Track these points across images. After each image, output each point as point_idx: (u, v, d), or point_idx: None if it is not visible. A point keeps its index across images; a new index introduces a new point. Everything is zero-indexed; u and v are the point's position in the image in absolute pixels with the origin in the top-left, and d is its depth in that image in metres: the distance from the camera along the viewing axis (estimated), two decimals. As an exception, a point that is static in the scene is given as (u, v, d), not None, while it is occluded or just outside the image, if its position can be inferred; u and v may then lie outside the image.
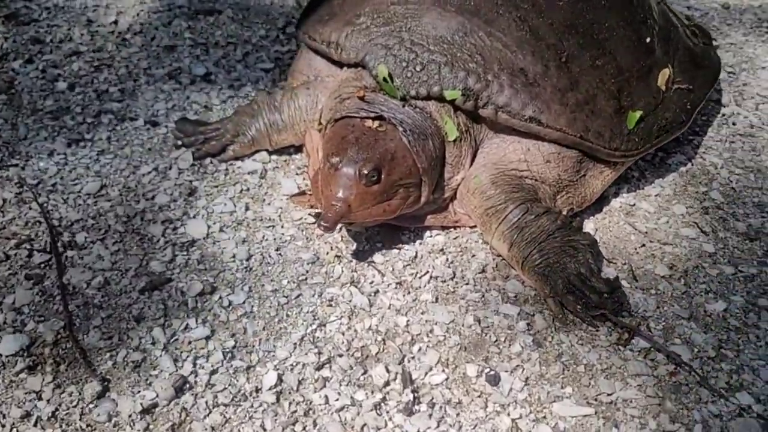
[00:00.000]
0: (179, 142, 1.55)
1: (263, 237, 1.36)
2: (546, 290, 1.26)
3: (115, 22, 1.98)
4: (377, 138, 1.28)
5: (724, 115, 1.84)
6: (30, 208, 1.38)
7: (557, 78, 1.36)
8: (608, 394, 1.13)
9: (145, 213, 1.40)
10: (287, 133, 1.53)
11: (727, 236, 1.46)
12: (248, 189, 1.48)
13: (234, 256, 1.31)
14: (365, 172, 1.21)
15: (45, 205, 1.39)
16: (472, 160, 1.38)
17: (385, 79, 1.33)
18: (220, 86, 1.78)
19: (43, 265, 1.27)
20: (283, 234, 1.37)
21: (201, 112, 1.69)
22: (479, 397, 1.11)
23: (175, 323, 1.19)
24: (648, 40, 1.56)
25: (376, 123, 1.31)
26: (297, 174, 1.53)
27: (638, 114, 1.44)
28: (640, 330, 1.23)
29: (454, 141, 1.34)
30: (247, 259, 1.31)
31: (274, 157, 1.57)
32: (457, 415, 1.09)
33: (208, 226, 1.37)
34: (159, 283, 1.25)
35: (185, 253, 1.32)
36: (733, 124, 1.81)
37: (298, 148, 1.58)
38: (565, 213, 1.39)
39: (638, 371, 1.17)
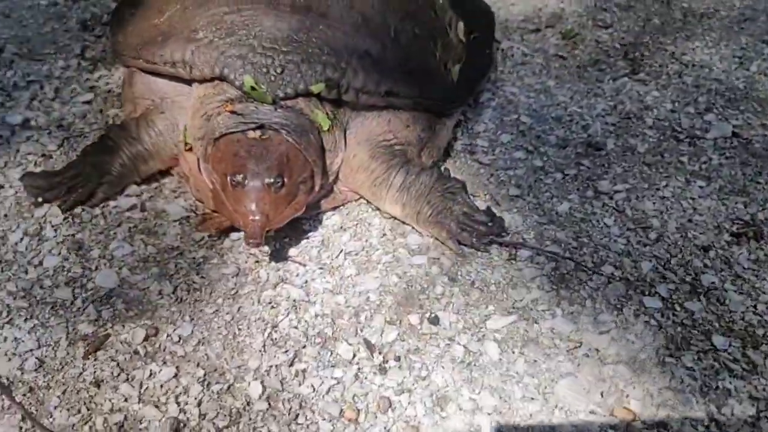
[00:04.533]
0: (39, 199, 1.47)
1: (177, 266, 1.38)
2: (443, 234, 1.47)
3: None
4: (267, 146, 1.35)
5: (502, 49, 2.18)
6: None
7: (394, 53, 1.54)
8: (519, 301, 1.39)
9: (41, 280, 1.33)
10: (154, 161, 1.53)
11: (546, 149, 1.79)
12: (136, 226, 1.46)
13: (160, 293, 1.33)
14: (271, 181, 1.29)
15: None
16: (346, 142, 1.52)
17: (253, 87, 1.39)
18: (48, 130, 1.67)
19: (-40, 369, 1.17)
20: (194, 258, 1.40)
21: (41, 162, 1.59)
22: (430, 338, 1.30)
23: (137, 374, 1.19)
24: (440, 1, 1.80)
25: (258, 132, 1.38)
26: (175, 198, 1.54)
27: (457, 67, 1.69)
28: (521, 243, 1.50)
29: (328, 129, 1.46)
30: (174, 292, 1.33)
31: (143, 187, 1.55)
32: (421, 358, 1.27)
33: (117, 273, 1.35)
34: (98, 342, 1.22)
35: (108, 306, 1.30)
36: (512, 55, 2.16)
37: (164, 173, 1.58)
38: (430, 166, 1.60)
39: (532, 275, 1.44)
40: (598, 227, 1.57)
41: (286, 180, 1.33)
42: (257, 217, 1.27)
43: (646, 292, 1.43)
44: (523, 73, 2.07)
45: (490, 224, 1.47)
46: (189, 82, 1.51)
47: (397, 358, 1.26)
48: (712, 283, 1.46)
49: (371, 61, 1.49)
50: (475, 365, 1.26)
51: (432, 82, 1.59)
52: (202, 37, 1.46)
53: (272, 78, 1.40)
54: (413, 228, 1.52)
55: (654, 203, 1.65)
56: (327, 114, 1.47)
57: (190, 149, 1.50)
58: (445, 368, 1.25)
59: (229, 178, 1.31)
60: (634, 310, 1.39)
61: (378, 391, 1.20)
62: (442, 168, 1.65)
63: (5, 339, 1.22)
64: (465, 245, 1.47)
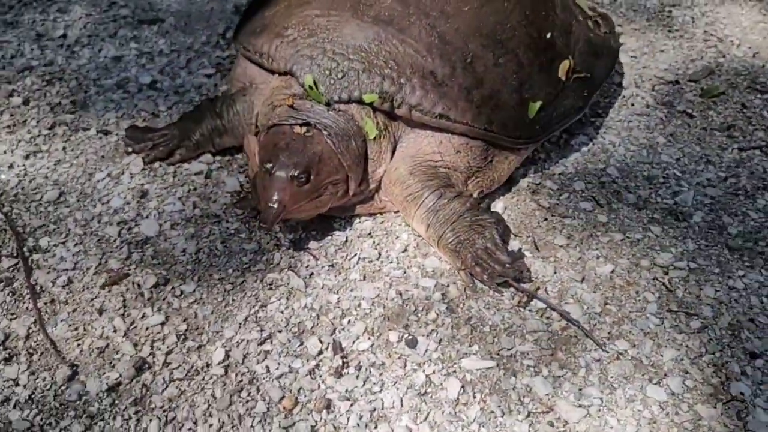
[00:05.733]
0: (130, 149, 1.71)
1: (210, 232, 1.53)
2: (458, 264, 1.46)
3: (64, 36, 2.10)
4: (305, 143, 1.45)
5: (624, 96, 2.06)
6: (-5, 218, 1.54)
7: (463, 78, 1.54)
8: (508, 349, 1.34)
9: (101, 216, 1.56)
10: (228, 136, 1.70)
11: (619, 207, 1.67)
12: (195, 189, 1.64)
13: (184, 251, 1.48)
14: (295, 174, 1.39)
15: (9, 213, 1.54)
16: (393, 154, 1.56)
17: (311, 87, 1.49)
18: (166, 93, 1.93)
19: (11, 269, 1.43)
20: (228, 228, 1.55)
21: (149, 119, 1.84)
22: (399, 358, 1.31)
23: (133, 313, 1.36)
24: (548, 35, 1.75)
25: (304, 129, 1.48)
26: (239, 173, 1.70)
27: (538, 104, 1.64)
28: (537, 293, 1.43)
29: (375, 138, 1.52)
30: (196, 253, 1.49)
31: (217, 157, 1.73)
32: (380, 374, 1.28)
33: (160, 225, 1.54)
34: (117, 278, 1.41)
35: (140, 250, 1.48)
36: (632, 104, 2.03)
37: (239, 149, 1.74)
38: (476, 195, 1.58)
39: (535, 328, 1.38)
40: (634, 299, 1.45)
41: (312, 177, 1.41)
42: (273, 205, 1.37)
43: (654, 381, 1.30)
44: (634, 125, 1.94)
45: (507, 265, 1.43)
46: (272, 72, 1.65)
47: (358, 368, 1.29)
48: (741, 393, 1.29)
49: (433, 82, 1.51)
50: (430, 397, 1.25)
51: (496, 114, 1.57)
52: (289, 34, 1.59)
53: (331, 81, 1.49)
54: (436, 251, 1.52)
55: (717, 291, 1.48)
56: (377, 124, 1.52)
57: (257, 132, 1.65)
58: (398, 390, 1.26)
59: (261, 164, 1.43)
60: (629, 395, 1.27)
61: (324, 391, 1.25)
62: (488, 201, 1.62)
63: (54, 255, 1.46)
64: (477, 280, 1.45)
